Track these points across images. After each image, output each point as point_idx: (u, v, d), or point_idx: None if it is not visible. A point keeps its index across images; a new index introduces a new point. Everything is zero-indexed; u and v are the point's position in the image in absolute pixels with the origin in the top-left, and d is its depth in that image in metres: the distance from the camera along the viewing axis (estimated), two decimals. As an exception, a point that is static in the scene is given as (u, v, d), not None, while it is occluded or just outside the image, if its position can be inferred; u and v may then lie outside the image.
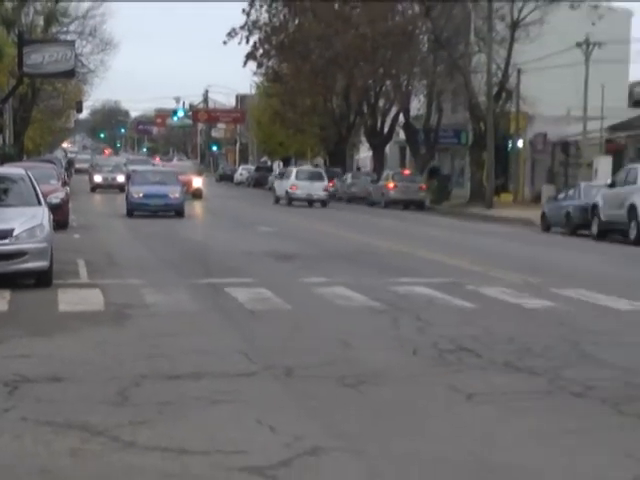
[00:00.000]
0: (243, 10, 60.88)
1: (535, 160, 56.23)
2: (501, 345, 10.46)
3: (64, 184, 31.94)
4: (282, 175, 54.78)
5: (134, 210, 35.16)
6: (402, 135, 62.22)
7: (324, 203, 48.20)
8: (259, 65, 63.89)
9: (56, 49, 47.89)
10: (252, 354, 9.74)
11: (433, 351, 10.09)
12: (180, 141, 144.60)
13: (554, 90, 50.44)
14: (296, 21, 62.18)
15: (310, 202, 48.41)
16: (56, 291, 14.19)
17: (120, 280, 15.82)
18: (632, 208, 27.07)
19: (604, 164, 42.62)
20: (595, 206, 29.46)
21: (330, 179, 56.64)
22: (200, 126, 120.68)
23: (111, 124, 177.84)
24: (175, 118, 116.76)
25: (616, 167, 38.67)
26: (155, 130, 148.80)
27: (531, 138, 54.77)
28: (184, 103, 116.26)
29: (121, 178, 54.19)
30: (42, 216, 15.10)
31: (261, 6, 61.82)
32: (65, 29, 64.06)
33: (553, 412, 7.74)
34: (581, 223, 30.79)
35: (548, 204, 35.12)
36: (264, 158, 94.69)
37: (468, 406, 7.90)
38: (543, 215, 34.30)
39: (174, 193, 35.29)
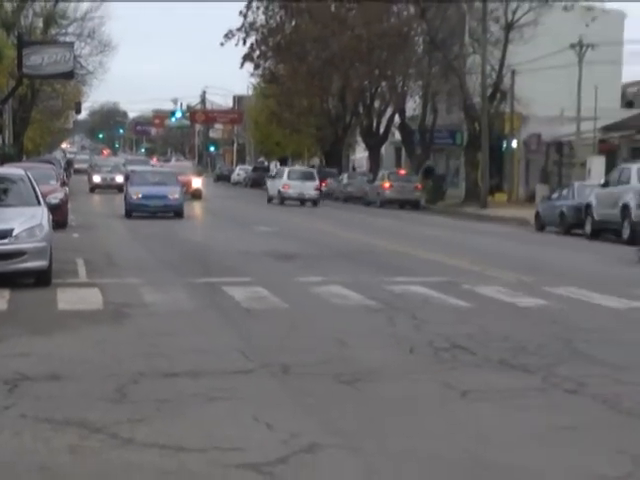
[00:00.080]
0: (240, 12, 61.09)
1: (529, 160, 56.23)
2: (496, 343, 10.53)
3: (63, 184, 31.89)
4: (275, 175, 54.82)
5: (133, 211, 33.97)
6: (398, 135, 62.21)
7: (315, 202, 48.32)
8: (256, 66, 64.01)
9: (55, 51, 47.92)
10: (249, 352, 9.80)
11: (428, 349, 10.15)
12: (178, 142, 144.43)
13: (548, 91, 50.52)
14: (292, 23, 62.23)
15: (302, 201, 48.58)
16: (55, 290, 14.24)
17: (119, 279, 15.87)
18: (625, 208, 27.13)
19: (597, 164, 42.62)
20: (589, 206, 29.51)
21: (325, 179, 56.80)
22: (198, 127, 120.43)
23: (110, 125, 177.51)
24: (173, 119, 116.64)
25: (609, 167, 38.66)
26: (153, 131, 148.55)
27: (525, 138, 54.77)
28: (182, 104, 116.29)
29: (120, 178, 53.84)
30: (41, 216, 15.16)
31: (258, 8, 61.92)
32: (64, 31, 64.05)
33: (547, 409, 7.81)
34: (575, 222, 30.81)
35: (542, 204, 35.13)
36: (261, 158, 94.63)
37: (463, 403, 7.97)
38: (537, 215, 34.27)
39: (173, 194, 34.23)
